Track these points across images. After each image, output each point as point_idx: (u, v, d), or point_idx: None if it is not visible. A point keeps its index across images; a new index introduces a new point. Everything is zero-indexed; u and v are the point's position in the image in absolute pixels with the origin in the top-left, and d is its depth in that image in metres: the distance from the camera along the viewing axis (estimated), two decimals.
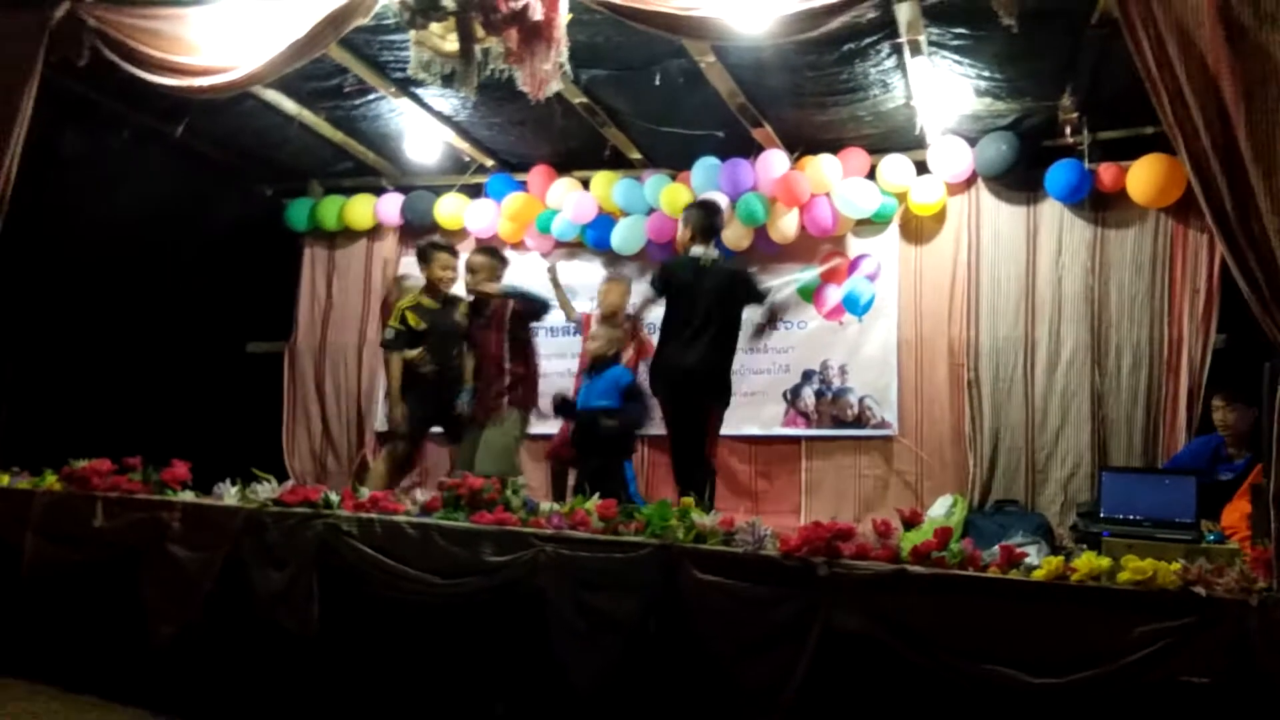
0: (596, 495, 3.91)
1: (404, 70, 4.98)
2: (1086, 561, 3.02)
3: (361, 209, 7.62)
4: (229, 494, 4.17)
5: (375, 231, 7.74)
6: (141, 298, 6.96)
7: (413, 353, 5.84)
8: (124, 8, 4.86)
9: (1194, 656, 2.77)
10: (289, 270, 7.87)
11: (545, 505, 3.96)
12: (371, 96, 6.16)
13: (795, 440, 6.83)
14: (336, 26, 4.45)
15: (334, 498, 4.03)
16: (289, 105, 6.30)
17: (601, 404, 5.64)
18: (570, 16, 4.22)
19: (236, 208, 7.58)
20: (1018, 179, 6.28)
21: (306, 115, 6.46)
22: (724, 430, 5.99)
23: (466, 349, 5.89)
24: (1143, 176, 5.82)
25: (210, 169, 7.23)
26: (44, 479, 4.51)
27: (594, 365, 5.81)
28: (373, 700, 3.82)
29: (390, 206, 7.54)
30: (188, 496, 4.25)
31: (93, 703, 4.04)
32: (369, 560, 3.76)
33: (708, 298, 5.22)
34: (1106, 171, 5.99)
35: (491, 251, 6.04)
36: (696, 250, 5.36)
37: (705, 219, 5.44)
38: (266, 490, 4.10)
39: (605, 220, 7.00)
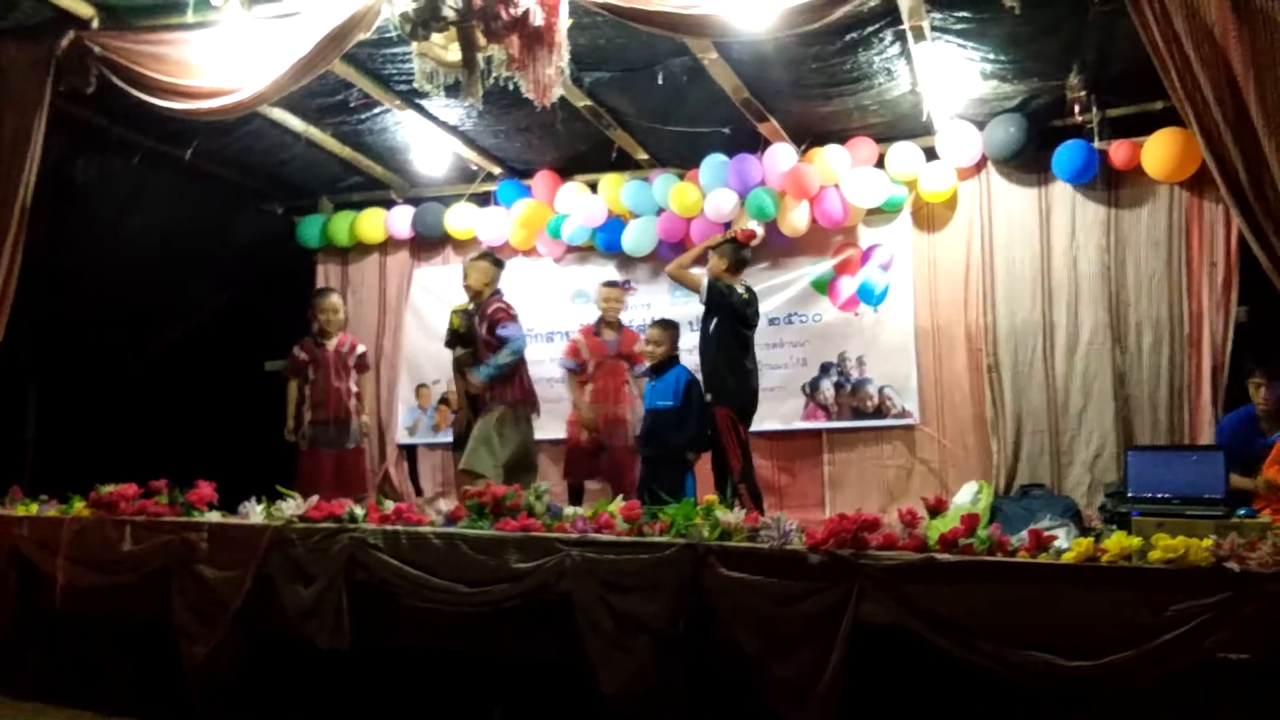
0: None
1: (408, 82, 5.01)
2: (1117, 542, 2.99)
3: (372, 223, 7.65)
4: (254, 512, 4.19)
5: (387, 245, 7.78)
6: (159, 320, 7.02)
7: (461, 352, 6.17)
8: (128, 34, 4.91)
9: (1231, 633, 2.75)
10: (303, 287, 7.89)
11: (570, 510, 3.96)
12: (377, 110, 6.18)
13: (816, 433, 6.80)
14: (339, 42, 4.47)
15: (359, 511, 4.05)
16: (295, 123, 6.33)
17: (664, 404, 5.84)
18: (571, 21, 4.23)
19: (249, 227, 7.64)
20: (1028, 161, 6.23)
21: (313, 132, 6.49)
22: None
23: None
24: (1157, 152, 5.77)
25: (221, 190, 7.28)
26: (72, 506, 4.54)
27: (654, 369, 5.99)
28: (409, 711, 3.83)
29: (401, 219, 7.57)
30: (214, 517, 4.28)
31: None
32: (396, 572, 3.77)
33: (754, 330, 5.78)
34: (1118, 149, 5.93)
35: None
36: (739, 285, 5.74)
37: (740, 254, 5.80)
38: (291, 507, 4.12)
39: (616, 223, 7.01)
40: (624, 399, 6.31)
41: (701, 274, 5.77)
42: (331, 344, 6.49)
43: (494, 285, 5.95)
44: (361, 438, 6.57)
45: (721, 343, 5.64)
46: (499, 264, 6.06)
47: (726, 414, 5.58)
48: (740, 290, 5.73)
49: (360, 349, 6.66)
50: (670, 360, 5.95)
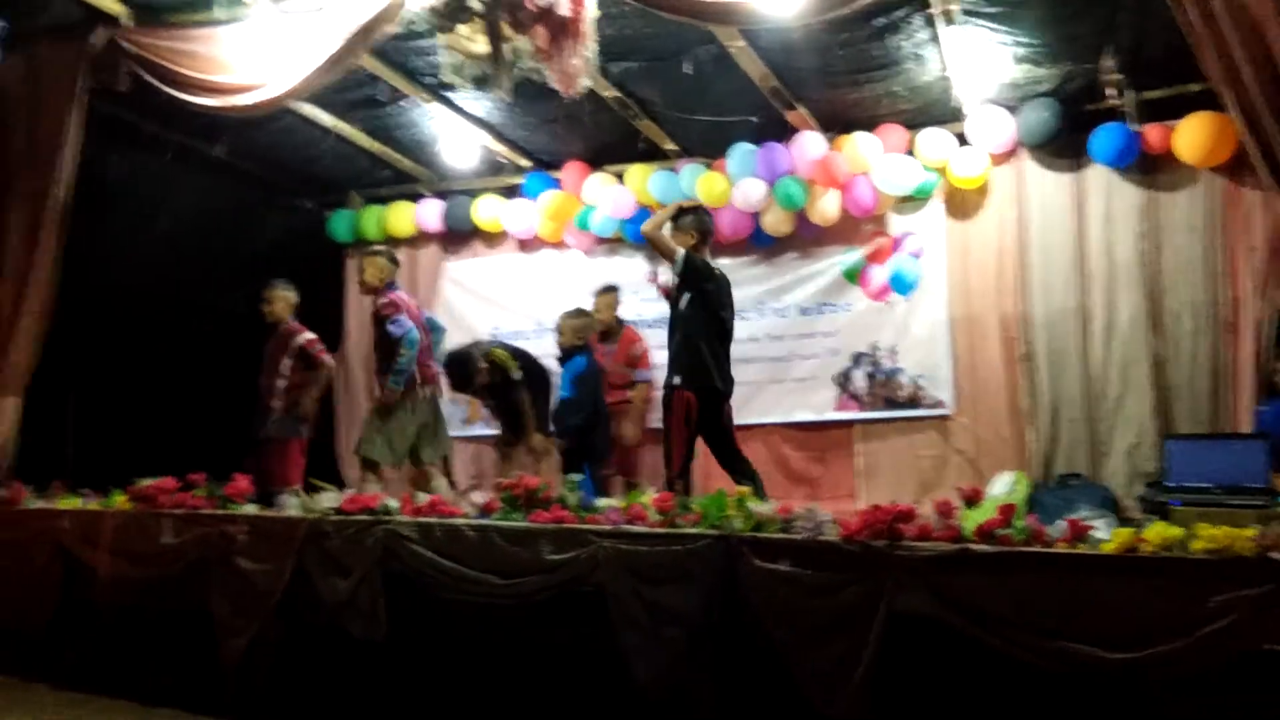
0: None
1: (435, 75, 5.03)
2: (1158, 532, 2.94)
3: (402, 217, 7.69)
4: (291, 505, 4.23)
5: (417, 239, 7.81)
6: (193, 316, 7.09)
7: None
8: (159, 31, 4.96)
9: (1276, 624, 2.70)
10: (335, 281, 7.96)
11: (602, 501, 3.96)
12: (405, 104, 6.21)
13: (848, 424, 6.75)
14: (366, 36, 4.50)
15: (393, 504, 4.07)
16: (325, 118, 6.38)
17: (563, 395, 5.98)
18: (597, 11, 4.22)
19: (280, 222, 7.71)
20: (1062, 146, 6.14)
21: (343, 127, 6.54)
22: (776, 418, 6.05)
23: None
24: (1191, 136, 5.67)
25: (252, 185, 7.35)
26: (112, 499, 4.61)
27: (561, 357, 6.07)
28: (443, 702, 3.85)
29: (430, 212, 7.60)
30: (251, 510, 4.32)
31: (171, 715, 4.12)
32: (430, 563, 3.79)
33: (729, 304, 5.24)
34: (1153, 132, 5.83)
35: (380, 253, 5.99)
36: (707, 258, 5.21)
37: (702, 222, 5.25)
38: (327, 499, 4.15)
39: (644, 214, 6.96)
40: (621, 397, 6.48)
41: (679, 248, 5.14)
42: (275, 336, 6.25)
43: (388, 280, 5.77)
44: (282, 427, 6.07)
45: (692, 320, 5.06)
46: (394, 261, 5.91)
47: (684, 401, 4.97)
48: (715, 271, 5.20)
49: (297, 341, 6.13)
50: (575, 350, 5.98)
